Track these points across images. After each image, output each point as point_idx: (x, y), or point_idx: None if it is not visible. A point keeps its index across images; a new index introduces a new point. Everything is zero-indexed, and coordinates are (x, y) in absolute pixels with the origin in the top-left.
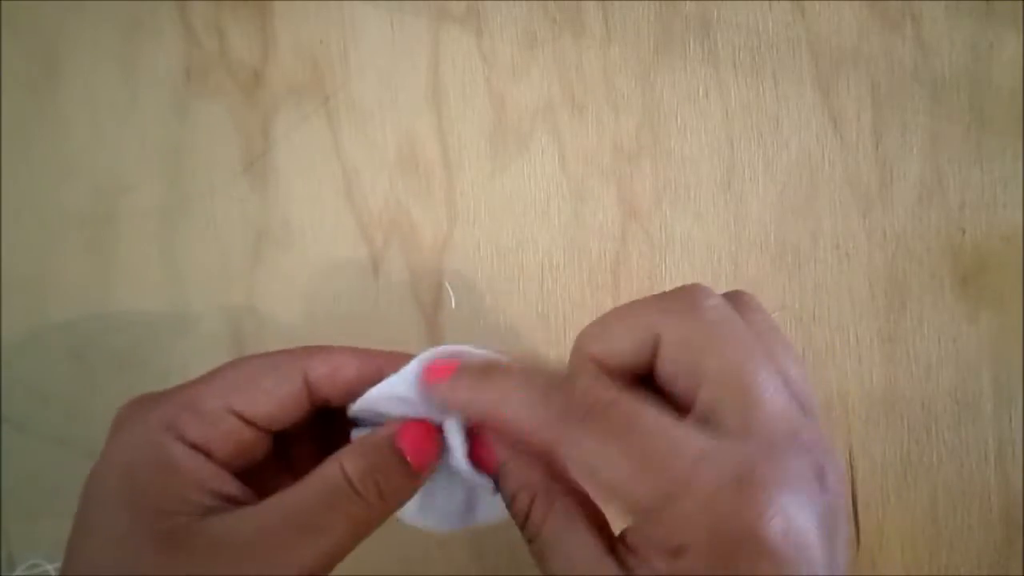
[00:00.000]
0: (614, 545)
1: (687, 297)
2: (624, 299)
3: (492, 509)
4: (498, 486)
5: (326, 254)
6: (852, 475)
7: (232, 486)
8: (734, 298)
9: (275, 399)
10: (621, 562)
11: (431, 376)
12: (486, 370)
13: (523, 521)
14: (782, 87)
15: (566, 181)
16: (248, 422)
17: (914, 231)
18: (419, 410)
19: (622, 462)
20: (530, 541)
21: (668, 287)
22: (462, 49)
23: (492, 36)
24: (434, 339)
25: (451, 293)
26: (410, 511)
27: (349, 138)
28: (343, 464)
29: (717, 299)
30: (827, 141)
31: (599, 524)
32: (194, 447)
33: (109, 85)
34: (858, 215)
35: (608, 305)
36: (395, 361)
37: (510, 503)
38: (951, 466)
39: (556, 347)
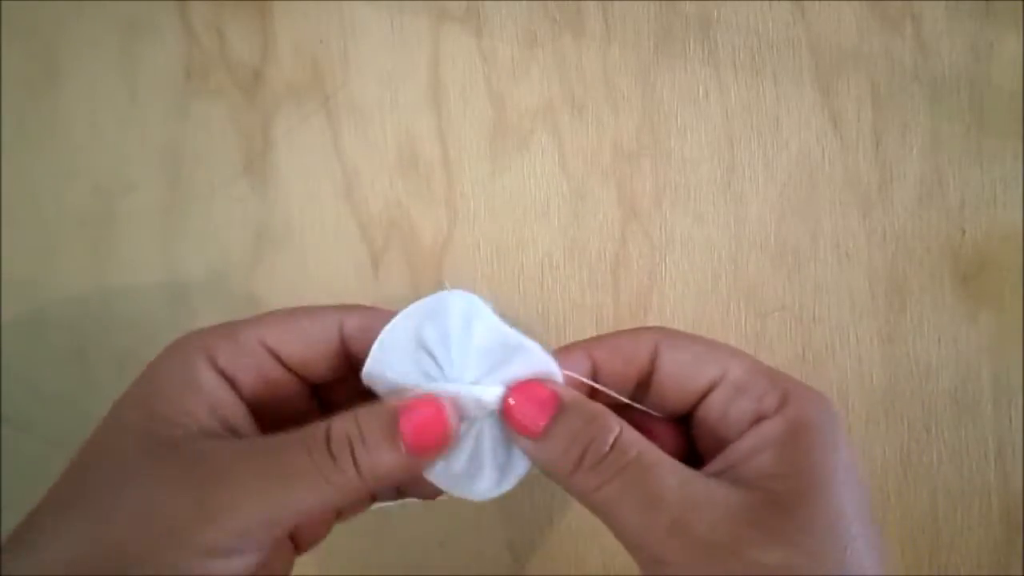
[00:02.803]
0: None
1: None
2: (624, 299)
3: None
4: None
5: (326, 254)
6: None
7: (243, 421)
8: None
9: (308, 342)
10: None
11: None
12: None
13: (611, 444)
14: (782, 87)
15: (566, 181)
16: (280, 360)
17: (914, 231)
18: (433, 381)
19: (711, 346)
20: (621, 471)
21: (668, 287)
22: (462, 49)
23: (492, 36)
24: None
25: None
26: (443, 477)
27: (349, 138)
28: (332, 422)
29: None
30: (827, 141)
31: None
32: (222, 373)
33: (109, 85)
34: (858, 215)
35: (608, 305)
36: None
37: (571, 446)
38: (951, 466)
39: (556, 347)
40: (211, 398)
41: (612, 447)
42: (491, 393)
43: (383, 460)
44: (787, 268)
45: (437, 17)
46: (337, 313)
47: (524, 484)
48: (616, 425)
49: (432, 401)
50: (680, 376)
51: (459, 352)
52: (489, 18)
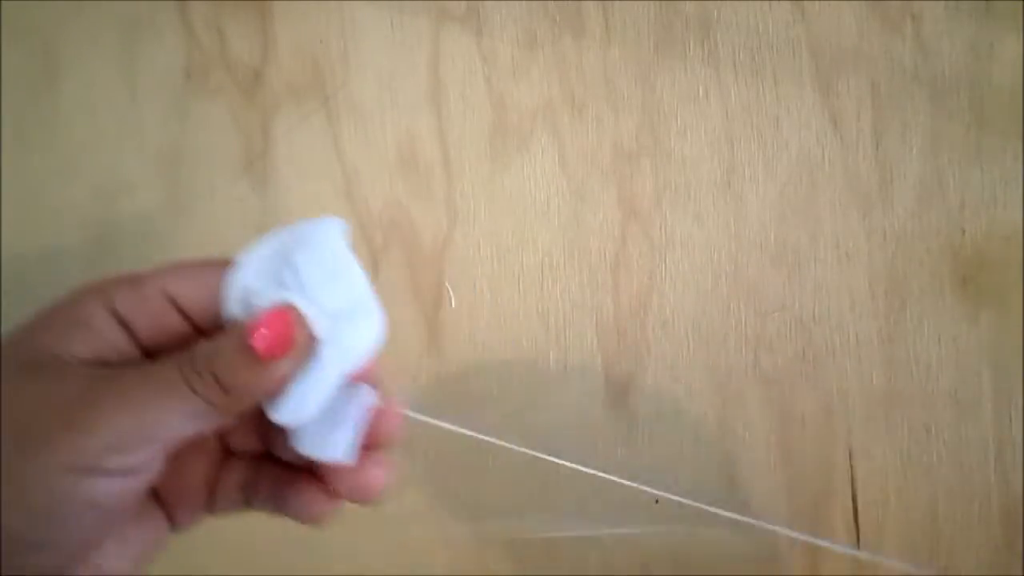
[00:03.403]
0: None
1: None
2: (624, 299)
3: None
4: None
5: None
6: (852, 475)
7: (132, 362)
8: None
9: (211, 293)
10: None
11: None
12: None
13: None
14: (782, 87)
15: (566, 181)
16: (180, 310)
17: (914, 231)
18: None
19: None
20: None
21: (668, 287)
22: (462, 49)
23: (492, 36)
24: (434, 339)
25: (451, 293)
26: (304, 436)
27: (349, 138)
28: (198, 344)
29: None
30: (827, 141)
31: None
32: (117, 317)
33: (109, 85)
34: (858, 215)
35: (608, 305)
36: None
37: None
38: (951, 466)
39: (556, 347)
40: (98, 338)
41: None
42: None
43: (239, 369)
44: (787, 268)
45: (437, 17)
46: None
47: (524, 485)
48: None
49: (280, 310)
50: None
51: (315, 275)
52: (489, 18)
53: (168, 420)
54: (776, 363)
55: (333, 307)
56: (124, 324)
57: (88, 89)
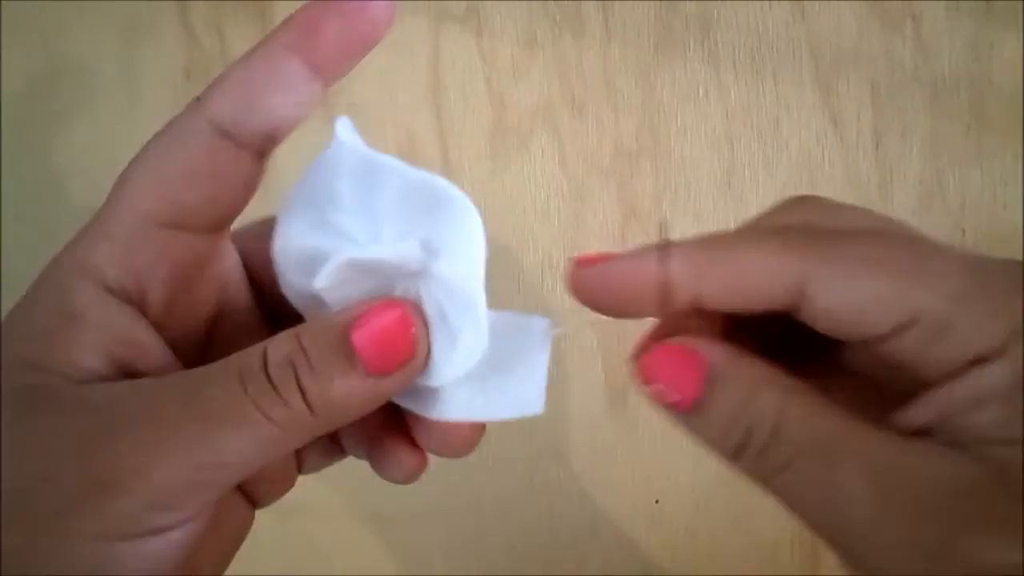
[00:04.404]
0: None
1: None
2: None
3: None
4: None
5: None
6: None
7: (155, 354)
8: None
9: (196, 176)
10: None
11: (586, 261)
12: (694, 243)
13: (771, 431)
14: (782, 87)
15: (566, 181)
16: (181, 228)
17: None
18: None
19: (913, 250)
20: (790, 461)
21: None
22: (462, 49)
23: (492, 36)
24: None
25: None
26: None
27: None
28: (268, 343)
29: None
30: (827, 141)
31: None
32: (118, 294)
33: (109, 85)
34: None
35: None
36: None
37: (730, 427)
38: None
39: (556, 347)
40: (100, 332)
41: (772, 434)
42: (411, 253)
43: (337, 386)
44: None
45: (437, 17)
46: (201, 110)
47: (523, 485)
48: (772, 404)
49: (392, 305)
50: (844, 323)
51: (365, 207)
52: (489, 18)
53: (228, 459)
54: None
55: (401, 225)
56: (128, 299)
57: (88, 89)
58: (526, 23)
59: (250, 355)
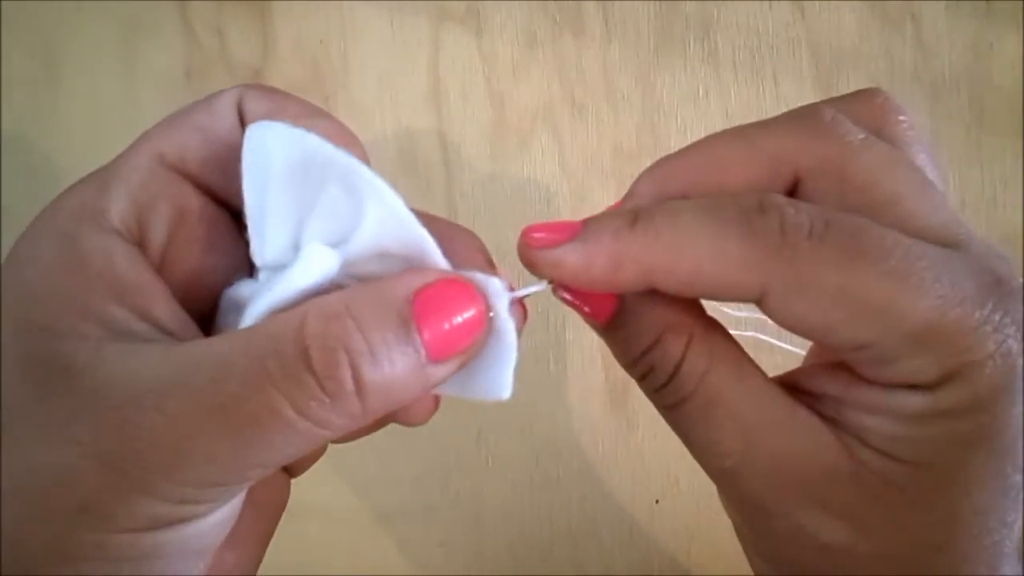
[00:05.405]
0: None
1: (823, 122)
2: None
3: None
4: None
5: None
6: None
7: (164, 307)
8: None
9: (211, 133)
10: (830, 417)
11: (536, 242)
12: (635, 216)
13: (670, 374)
14: (782, 87)
15: (566, 181)
16: (190, 176)
17: None
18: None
19: (882, 282)
20: (680, 402)
21: None
22: (462, 49)
23: (492, 36)
24: None
25: None
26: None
27: None
28: (308, 318)
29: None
30: None
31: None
32: (120, 235)
33: (109, 85)
34: None
35: None
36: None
37: (644, 351)
38: None
39: (556, 347)
40: (112, 282)
41: (673, 375)
42: (324, 262)
43: (398, 375)
44: None
45: (437, 17)
46: (232, 95)
47: (523, 485)
48: (679, 350)
49: (452, 278)
50: (799, 332)
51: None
52: (489, 18)
53: (269, 459)
54: (777, 363)
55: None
56: (133, 239)
57: (88, 89)
58: (526, 23)
59: (280, 335)
